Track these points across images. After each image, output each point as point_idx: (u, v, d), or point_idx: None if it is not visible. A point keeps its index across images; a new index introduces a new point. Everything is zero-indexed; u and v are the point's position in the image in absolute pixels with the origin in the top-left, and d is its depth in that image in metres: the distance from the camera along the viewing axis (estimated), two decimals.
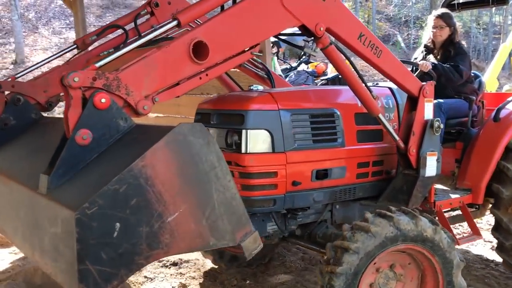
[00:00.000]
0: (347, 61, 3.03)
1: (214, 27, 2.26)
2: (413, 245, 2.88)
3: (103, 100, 1.91)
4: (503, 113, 4.07)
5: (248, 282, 4.16)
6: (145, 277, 4.21)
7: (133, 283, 4.06)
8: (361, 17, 29.65)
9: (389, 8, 30.40)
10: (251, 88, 3.29)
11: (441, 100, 4.26)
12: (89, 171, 1.82)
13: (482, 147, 3.98)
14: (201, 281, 4.12)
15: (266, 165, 2.98)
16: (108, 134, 1.92)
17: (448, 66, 4.20)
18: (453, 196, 3.86)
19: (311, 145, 3.15)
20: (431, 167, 3.36)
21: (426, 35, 4.71)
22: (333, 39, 2.85)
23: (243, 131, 2.92)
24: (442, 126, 3.36)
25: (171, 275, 4.28)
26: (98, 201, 1.58)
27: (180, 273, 4.32)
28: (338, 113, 3.27)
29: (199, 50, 2.21)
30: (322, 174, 3.22)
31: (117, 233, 1.62)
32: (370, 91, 3.08)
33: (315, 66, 9.52)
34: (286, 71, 9.64)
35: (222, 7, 2.41)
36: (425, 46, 4.69)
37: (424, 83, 3.35)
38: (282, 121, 3.01)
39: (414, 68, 4.27)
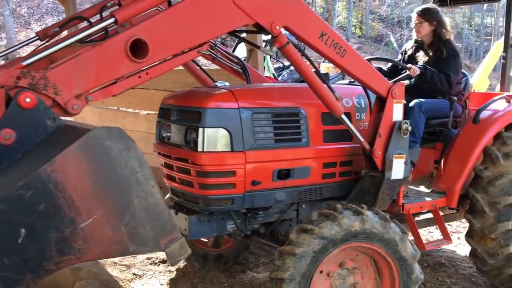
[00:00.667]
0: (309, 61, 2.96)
1: (155, 24, 2.20)
2: (362, 242, 2.85)
3: (27, 100, 1.87)
4: (483, 115, 3.97)
5: (237, 279, 4.15)
6: (134, 274, 4.22)
7: (121, 280, 4.06)
8: (354, 17, 29.83)
9: (382, 8, 30.63)
10: (216, 84, 3.23)
11: (422, 100, 4.16)
12: (7, 172, 1.79)
13: (459, 150, 3.89)
14: (190, 279, 4.09)
15: (223, 164, 2.93)
16: (34, 134, 1.88)
17: (438, 73, 4.06)
18: (427, 198, 3.78)
19: (272, 144, 3.09)
20: (397, 170, 3.28)
21: (414, 32, 4.60)
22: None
23: (200, 129, 2.87)
24: (410, 128, 3.27)
25: (160, 272, 4.28)
26: (0, 206, 1.55)
27: (169, 270, 4.31)
28: (304, 112, 3.20)
29: (138, 48, 2.15)
30: (284, 174, 3.17)
31: (22, 239, 1.59)
32: (333, 91, 3.00)
33: None
34: (279, 70, 9.60)
35: (170, 3, 2.35)
36: (416, 41, 4.56)
37: (393, 83, 3.26)
38: (242, 119, 2.95)
39: (401, 68, 4.17)
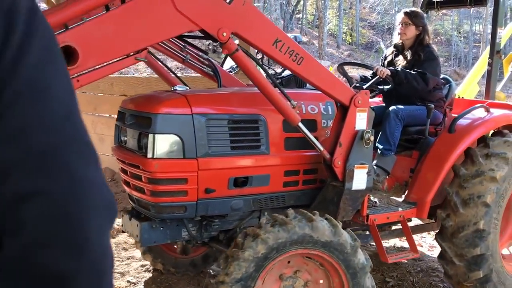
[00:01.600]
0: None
1: (87, 30, 2.15)
2: (310, 249, 2.78)
3: None
4: (459, 124, 3.85)
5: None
6: (128, 281, 4.18)
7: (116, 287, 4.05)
8: (345, 24, 29.98)
9: (372, 16, 30.88)
10: (174, 88, 3.18)
11: (399, 107, 4.06)
12: None
13: (433, 159, 3.78)
14: (185, 285, 4.06)
15: (174, 172, 2.88)
16: None
17: (413, 73, 3.99)
18: (397, 208, 3.68)
19: (228, 152, 3.03)
20: (359, 180, 3.19)
21: (396, 34, 4.49)
22: None
23: (150, 135, 2.82)
24: (372, 138, 3.17)
25: (153, 279, 4.23)
26: None
27: (164, 277, 4.24)
28: (264, 119, 3.14)
29: (67, 55, 2.11)
30: (241, 182, 3.11)
31: None
32: (288, 99, 2.92)
33: None
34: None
35: (107, 8, 2.30)
36: (395, 46, 4.47)
37: (357, 92, 3.17)
38: (195, 126, 2.89)
39: (373, 73, 4.07)
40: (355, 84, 3.90)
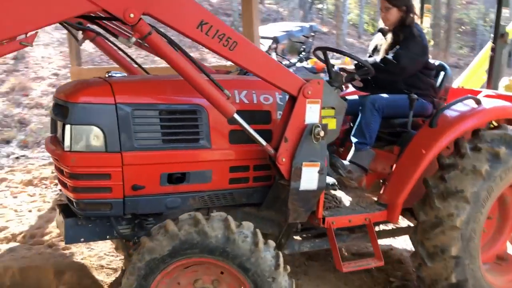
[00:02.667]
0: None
1: None
2: (200, 257, 2.56)
3: None
4: (444, 117, 3.42)
5: None
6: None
7: (107, 284, 3.83)
8: (366, 14, 29.01)
9: None
10: (109, 74, 2.93)
11: (379, 96, 3.67)
12: None
13: (408, 157, 3.38)
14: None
15: (95, 166, 2.64)
16: None
17: (384, 58, 3.60)
18: (364, 210, 3.32)
19: (159, 145, 2.77)
20: (308, 180, 2.85)
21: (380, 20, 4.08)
22: None
23: (67, 126, 2.59)
24: (322, 133, 2.82)
25: None
26: None
27: None
28: (204, 110, 2.84)
29: None
30: (176, 178, 2.85)
31: None
32: (221, 88, 2.61)
33: (315, 62, 9.03)
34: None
35: None
36: (380, 30, 4.05)
37: (307, 81, 2.82)
38: (119, 117, 2.64)
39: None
40: (335, 71, 3.53)
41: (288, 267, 2.66)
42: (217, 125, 2.89)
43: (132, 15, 2.24)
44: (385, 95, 3.68)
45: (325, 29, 23.92)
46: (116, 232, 2.87)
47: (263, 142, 2.78)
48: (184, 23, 2.39)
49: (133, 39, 2.31)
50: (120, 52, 3.50)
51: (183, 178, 2.87)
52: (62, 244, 4.09)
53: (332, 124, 3.25)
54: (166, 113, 2.77)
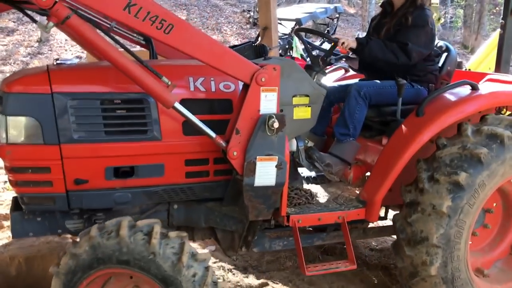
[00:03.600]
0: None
1: None
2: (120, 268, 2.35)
3: None
4: (433, 105, 3.06)
5: None
6: None
7: None
8: None
9: None
10: (58, 62, 2.78)
11: (365, 82, 3.35)
12: None
13: (390, 149, 3.05)
14: None
15: (32, 159, 2.51)
16: None
17: (390, 43, 3.26)
18: (338, 208, 3.03)
19: (102, 137, 2.59)
20: (264, 175, 2.61)
21: None
22: None
23: (1, 117, 2.47)
24: (277, 125, 2.55)
25: None
26: None
27: None
28: (152, 99, 2.64)
29: None
30: (123, 172, 2.68)
31: None
32: (160, 77, 2.40)
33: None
34: None
35: None
36: (383, 4, 3.67)
37: (261, 67, 2.55)
38: (56, 107, 2.48)
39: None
40: (314, 55, 3.26)
41: (204, 255, 2.44)
42: (168, 116, 2.67)
43: None
44: (373, 82, 3.35)
45: (352, 11, 23.04)
46: (60, 227, 2.74)
47: (212, 134, 2.56)
48: (109, 4, 2.19)
49: (51, 24, 2.13)
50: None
51: (132, 172, 2.69)
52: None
53: (306, 113, 2.99)
54: (108, 103, 2.59)
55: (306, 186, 3.32)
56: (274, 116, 2.54)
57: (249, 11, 16.61)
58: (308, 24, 10.37)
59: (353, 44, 3.25)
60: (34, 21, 2.23)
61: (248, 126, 2.56)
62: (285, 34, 8.77)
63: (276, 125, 2.54)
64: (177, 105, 2.43)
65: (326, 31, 10.04)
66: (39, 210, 2.68)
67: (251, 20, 15.99)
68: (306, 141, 3.41)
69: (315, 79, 3.20)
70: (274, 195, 2.71)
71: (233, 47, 3.48)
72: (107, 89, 2.59)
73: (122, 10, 2.20)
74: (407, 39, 3.28)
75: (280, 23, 9.32)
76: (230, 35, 13.19)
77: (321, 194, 3.20)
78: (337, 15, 11.40)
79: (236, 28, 15.15)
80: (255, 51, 3.54)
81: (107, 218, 2.79)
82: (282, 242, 3.21)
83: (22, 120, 2.46)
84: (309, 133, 3.39)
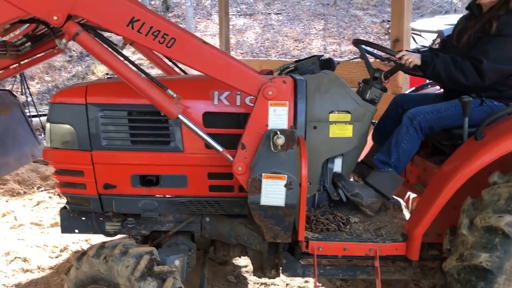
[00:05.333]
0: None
1: None
2: None
3: None
4: (495, 127, 2.55)
5: None
6: None
7: None
8: None
9: None
10: (108, 76, 3.06)
11: (422, 109, 2.91)
12: None
13: (439, 178, 2.61)
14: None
15: (69, 163, 2.80)
16: None
17: (462, 62, 2.81)
18: (371, 239, 2.67)
19: (128, 146, 2.77)
20: (271, 194, 2.46)
21: None
22: None
23: (47, 125, 2.81)
24: (281, 141, 2.37)
25: None
26: None
27: None
28: None
29: None
30: (148, 181, 2.81)
31: None
32: (165, 89, 2.46)
33: None
34: None
35: None
36: (468, 7, 3.18)
37: (269, 80, 2.43)
38: (89, 117, 2.74)
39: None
40: (374, 69, 2.99)
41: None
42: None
43: (55, 18, 2.29)
44: (433, 106, 2.90)
45: None
46: (96, 227, 2.97)
47: (219, 148, 2.52)
48: (113, 21, 2.34)
49: (64, 41, 2.37)
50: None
51: (157, 181, 2.80)
52: None
53: (345, 131, 2.77)
54: (134, 114, 2.76)
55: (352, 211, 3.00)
56: (279, 132, 2.39)
57: (388, 21, 15.78)
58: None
59: (418, 61, 2.87)
60: (55, 36, 2.49)
61: (254, 141, 2.47)
62: (424, 47, 8.09)
63: (280, 141, 2.38)
64: (181, 117, 2.46)
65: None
66: (78, 210, 2.95)
67: (390, 30, 15.15)
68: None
69: (368, 95, 2.91)
70: (287, 217, 2.53)
71: (298, 61, 3.36)
72: (134, 101, 2.75)
73: (125, 26, 2.34)
74: (484, 52, 2.77)
75: (420, 35, 8.63)
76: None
77: (364, 222, 2.87)
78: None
79: (373, 39, 14.54)
80: (321, 64, 3.36)
81: (137, 224, 2.97)
82: (318, 270, 2.96)
83: (61, 127, 2.77)
84: (378, 147, 3.10)
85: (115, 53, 2.43)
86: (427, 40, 8.42)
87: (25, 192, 5.99)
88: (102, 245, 2.53)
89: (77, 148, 2.77)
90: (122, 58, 2.44)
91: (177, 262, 2.67)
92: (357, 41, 3.13)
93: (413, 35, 7.94)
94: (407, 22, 5.48)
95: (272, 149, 2.42)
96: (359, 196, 2.80)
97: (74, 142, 2.76)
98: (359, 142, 2.81)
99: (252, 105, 2.72)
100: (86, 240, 4.56)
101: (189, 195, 2.82)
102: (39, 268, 4.10)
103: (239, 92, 2.75)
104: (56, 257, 4.29)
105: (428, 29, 8.72)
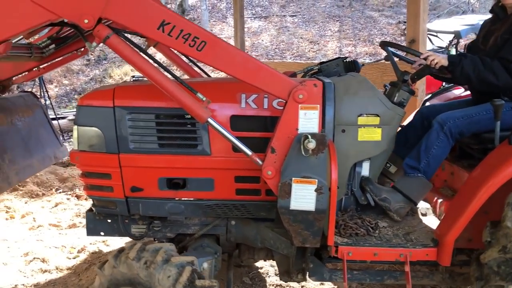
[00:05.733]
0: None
1: None
2: None
3: None
4: None
5: None
6: None
7: None
8: None
9: None
10: (134, 78, 3.06)
11: (453, 114, 2.88)
12: None
13: (471, 182, 2.57)
14: None
15: (96, 166, 2.80)
16: None
17: (488, 61, 2.78)
18: (401, 244, 2.63)
19: (155, 149, 2.75)
20: (301, 198, 2.44)
21: None
22: None
23: (74, 127, 2.81)
24: (312, 145, 2.35)
25: None
26: None
27: None
28: None
29: None
30: (175, 184, 2.80)
31: None
32: (195, 93, 2.45)
33: None
34: None
35: None
36: (492, 10, 3.14)
37: (300, 84, 2.41)
38: (117, 120, 2.73)
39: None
40: (402, 71, 2.95)
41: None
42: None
43: (86, 21, 2.29)
44: (464, 111, 2.86)
45: None
46: (122, 228, 2.96)
47: (248, 152, 2.50)
48: (144, 24, 2.34)
49: (94, 44, 2.36)
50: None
51: (184, 185, 2.79)
52: None
53: (374, 135, 2.74)
54: (162, 117, 2.74)
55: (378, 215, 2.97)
56: (310, 136, 2.37)
57: (404, 22, 15.67)
58: (470, 36, 9.25)
59: (444, 62, 2.84)
60: (85, 39, 2.49)
61: (284, 145, 2.45)
62: (441, 48, 8.02)
63: (311, 145, 2.36)
64: (211, 121, 2.45)
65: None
66: (105, 213, 2.95)
67: (406, 31, 15.05)
68: (388, 165, 3.08)
69: (396, 98, 2.88)
70: (317, 222, 2.50)
71: (322, 63, 3.33)
72: (162, 104, 2.74)
73: (156, 29, 2.33)
74: (509, 55, 2.74)
75: (437, 36, 8.55)
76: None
77: (392, 227, 2.84)
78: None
79: (389, 40, 14.53)
80: (345, 66, 3.33)
81: (163, 226, 2.96)
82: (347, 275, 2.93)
83: (89, 130, 2.76)
84: (395, 156, 3.06)
85: (145, 56, 2.42)
86: (443, 41, 8.35)
87: (43, 194, 6.02)
88: (143, 248, 2.49)
89: (104, 151, 2.76)
90: (151, 61, 2.42)
91: (205, 265, 2.65)
92: (384, 43, 3.10)
93: (429, 36, 7.89)
94: (423, 22, 5.45)
95: (303, 153, 2.39)
96: (387, 200, 2.77)
97: (101, 145, 2.75)
98: (388, 145, 2.77)
99: (280, 108, 2.71)
100: (104, 241, 4.58)
101: (216, 199, 2.81)
102: (57, 268, 4.14)
103: (266, 95, 2.72)
104: (74, 258, 4.34)
105: (444, 29, 8.65)
